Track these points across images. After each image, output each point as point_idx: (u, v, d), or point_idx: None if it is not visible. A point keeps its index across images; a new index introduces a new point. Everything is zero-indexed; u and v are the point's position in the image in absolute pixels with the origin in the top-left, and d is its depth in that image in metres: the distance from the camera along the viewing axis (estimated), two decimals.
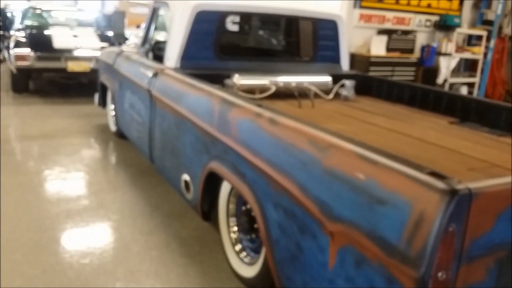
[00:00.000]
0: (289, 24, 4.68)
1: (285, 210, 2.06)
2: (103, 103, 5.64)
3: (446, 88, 8.36)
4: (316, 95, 3.83)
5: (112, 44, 7.01)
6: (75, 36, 7.23)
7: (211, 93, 2.87)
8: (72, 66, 6.84)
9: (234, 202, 2.83)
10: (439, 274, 1.43)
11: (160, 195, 3.85)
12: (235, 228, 2.85)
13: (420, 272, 1.42)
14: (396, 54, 8.03)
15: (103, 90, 5.50)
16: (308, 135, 2.01)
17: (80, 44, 6.99)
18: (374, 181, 1.63)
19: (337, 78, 4.08)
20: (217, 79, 3.56)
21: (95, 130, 5.71)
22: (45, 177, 4.12)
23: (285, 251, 2.09)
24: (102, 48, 6.75)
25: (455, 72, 8.87)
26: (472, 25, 9.19)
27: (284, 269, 2.11)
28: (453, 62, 8.57)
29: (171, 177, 3.47)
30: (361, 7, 7.71)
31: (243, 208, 2.74)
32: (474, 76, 9.00)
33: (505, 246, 1.58)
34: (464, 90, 8.92)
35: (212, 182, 2.85)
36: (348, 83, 3.98)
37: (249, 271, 2.62)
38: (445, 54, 8.45)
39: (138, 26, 10.22)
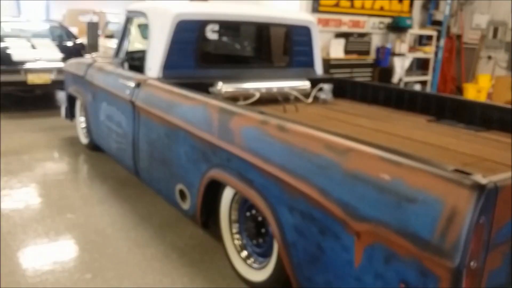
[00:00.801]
0: (265, 32, 4.77)
1: (302, 214, 2.13)
2: (70, 115, 5.51)
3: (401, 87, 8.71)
4: (297, 99, 3.93)
5: (72, 54, 6.88)
6: (33, 47, 7.00)
7: (207, 103, 2.90)
8: (32, 79, 6.62)
9: (237, 209, 2.86)
10: (472, 263, 1.54)
11: (146, 206, 3.82)
12: (238, 235, 2.88)
13: (455, 262, 1.52)
14: (354, 56, 8.29)
15: (71, 102, 5.38)
16: (323, 140, 2.09)
17: (40, 56, 6.79)
18: (400, 181, 1.72)
19: (314, 82, 4.21)
20: (200, 87, 3.58)
21: (64, 143, 5.55)
22: (24, 194, 3.99)
23: (304, 252, 2.15)
24: (64, 59, 6.61)
25: (409, 71, 9.25)
26: (422, 25, 9.63)
27: (303, 270, 2.18)
28: (407, 62, 8.94)
29: (161, 188, 3.46)
30: (319, 11, 7.90)
31: (248, 213, 2.79)
32: (426, 74, 9.43)
33: None
34: (417, 88, 9.32)
35: (212, 190, 2.88)
36: (326, 86, 4.11)
37: (259, 276, 2.67)
38: (399, 55, 8.80)
39: None
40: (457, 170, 1.65)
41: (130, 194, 4.05)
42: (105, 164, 4.80)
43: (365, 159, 1.89)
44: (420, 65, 9.81)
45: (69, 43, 7.86)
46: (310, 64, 4.52)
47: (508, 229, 1.67)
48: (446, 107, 3.73)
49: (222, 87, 3.66)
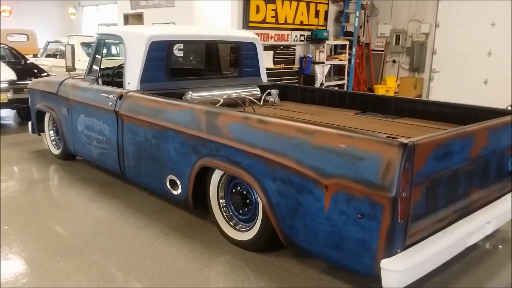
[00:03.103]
0: (220, 48, 5.60)
1: (283, 180, 2.97)
2: (37, 130, 5.99)
3: None
4: (251, 103, 4.79)
5: (24, 74, 7.32)
6: None
7: (193, 107, 3.67)
8: None
9: (224, 187, 3.66)
10: (403, 194, 2.46)
11: (135, 199, 4.49)
12: (225, 208, 3.68)
13: (392, 193, 2.43)
14: (281, 65, 9.34)
15: (39, 117, 5.87)
16: (295, 127, 2.96)
17: None
18: (353, 147, 2.62)
19: (262, 88, 5.10)
20: (173, 96, 4.33)
21: (35, 155, 6.04)
22: (19, 199, 4.49)
23: (286, 208, 3.00)
24: (19, 79, 7.08)
25: (328, 76, 10.46)
26: (336, 36, 10.90)
27: (286, 221, 3.02)
28: (326, 69, 10.14)
29: (150, 181, 4.16)
30: (248, 27, 8.85)
31: (233, 190, 3.59)
32: (343, 79, 10.69)
33: (430, 176, 2.69)
34: None
35: (200, 176, 3.65)
36: (274, 91, 5.02)
37: (246, 236, 3.49)
38: (319, 63, 9.98)
39: (34, 55, 10.27)
40: (388, 137, 2.59)
41: (116, 192, 4.69)
42: (82, 171, 5.39)
43: (327, 136, 2.78)
44: (337, 71, 11.09)
45: (20, 64, 8.19)
46: (257, 73, 5.41)
47: (423, 172, 2.61)
48: (368, 103, 4.76)
49: (192, 95, 4.44)
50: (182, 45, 5.57)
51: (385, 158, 2.48)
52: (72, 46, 4.89)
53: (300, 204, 2.90)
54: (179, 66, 5.59)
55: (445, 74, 10.28)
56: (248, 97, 4.81)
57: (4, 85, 7.13)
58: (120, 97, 4.36)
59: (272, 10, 9.29)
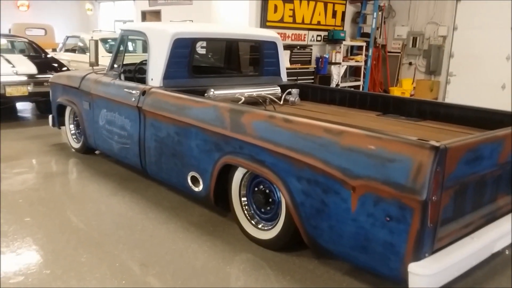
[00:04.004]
0: (241, 46, 5.60)
1: (308, 180, 2.97)
2: (58, 123, 6.03)
3: None
4: (273, 102, 4.78)
5: (44, 68, 7.39)
6: (9, 62, 7.37)
7: (217, 105, 3.68)
8: (11, 91, 7.02)
9: (246, 185, 3.66)
10: (433, 197, 2.45)
11: (154, 195, 4.51)
12: (247, 206, 3.68)
13: (423, 197, 2.41)
14: (298, 65, 9.32)
15: (59, 111, 5.91)
16: (322, 127, 2.95)
17: (16, 70, 7.20)
18: (383, 149, 2.61)
19: (282, 88, 5.09)
20: (194, 93, 4.33)
21: (54, 149, 6.09)
22: (41, 191, 4.53)
23: (310, 208, 2.99)
24: (39, 72, 7.14)
25: (343, 77, 10.43)
26: (353, 37, 10.86)
27: (310, 221, 3.01)
28: (342, 70, 10.11)
29: (171, 177, 4.17)
30: (266, 26, 8.84)
31: (256, 189, 3.59)
32: (358, 80, 10.66)
33: (460, 180, 2.67)
34: None
35: (223, 173, 3.66)
36: (294, 91, 5.00)
37: (268, 235, 3.48)
38: (335, 63, 9.95)
39: (53, 50, 10.34)
40: (419, 139, 2.57)
41: (135, 187, 4.71)
42: (102, 164, 5.42)
43: (355, 137, 2.77)
44: (352, 72, 11.05)
45: (40, 58, 8.26)
46: (277, 73, 5.40)
47: (453, 176, 2.59)
48: (390, 104, 4.73)
49: (214, 93, 4.44)
50: (204, 43, 5.58)
51: (416, 161, 2.46)
52: (96, 42, 4.91)
53: (326, 204, 2.90)
54: (200, 63, 5.60)
55: (462, 78, 10.20)
56: (269, 96, 4.80)
57: (24, 78, 7.18)
58: (143, 93, 4.38)
59: (290, 9, 9.29)
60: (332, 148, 2.83)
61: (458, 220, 2.79)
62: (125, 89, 4.58)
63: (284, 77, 5.49)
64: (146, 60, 5.28)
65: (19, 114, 8.56)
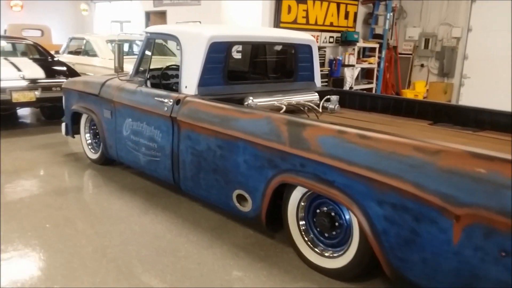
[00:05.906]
0: (276, 50, 5.20)
1: (393, 205, 2.58)
2: (72, 132, 5.57)
3: None
4: (313, 110, 4.39)
5: (52, 71, 6.92)
6: (15, 66, 6.88)
7: (270, 116, 3.27)
8: (17, 97, 6.52)
9: (304, 207, 3.27)
10: None
11: (189, 213, 4.09)
12: (306, 230, 3.28)
13: None
14: None
15: (74, 119, 5.45)
16: (411, 144, 2.57)
17: (23, 75, 6.70)
18: (497, 173, 2.24)
19: (319, 94, 4.69)
20: (231, 101, 3.93)
21: (69, 159, 5.62)
22: (64, 209, 4.09)
23: (396, 237, 2.61)
24: (47, 77, 6.66)
25: (356, 80, 10.09)
26: (364, 38, 10.53)
27: (396, 252, 2.63)
28: (356, 72, 9.77)
29: (211, 194, 3.76)
30: (280, 27, 8.46)
31: (318, 211, 3.20)
32: (371, 82, 10.33)
33: None
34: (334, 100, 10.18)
35: (277, 193, 3.26)
36: (334, 97, 4.61)
37: (335, 264, 3.09)
38: (349, 66, 9.60)
39: (56, 52, 9.81)
40: None
41: (166, 203, 4.28)
42: (124, 177, 4.97)
43: (457, 158, 2.39)
44: (364, 75, 10.71)
45: (46, 61, 7.75)
46: (311, 78, 5.01)
47: None
48: (441, 113, 4.37)
49: (254, 101, 4.04)
50: (239, 47, 5.17)
51: None
52: (120, 45, 4.46)
53: (417, 234, 2.51)
54: (234, 69, 5.18)
55: (476, 80, 9.93)
56: (308, 103, 4.41)
57: (31, 83, 6.68)
58: (177, 102, 3.96)
59: (304, 10, 8.92)
60: (427, 170, 2.45)
61: None
62: (156, 98, 4.15)
63: (318, 83, 5.10)
64: (172, 65, 4.90)
65: (20, 120, 8.05)
